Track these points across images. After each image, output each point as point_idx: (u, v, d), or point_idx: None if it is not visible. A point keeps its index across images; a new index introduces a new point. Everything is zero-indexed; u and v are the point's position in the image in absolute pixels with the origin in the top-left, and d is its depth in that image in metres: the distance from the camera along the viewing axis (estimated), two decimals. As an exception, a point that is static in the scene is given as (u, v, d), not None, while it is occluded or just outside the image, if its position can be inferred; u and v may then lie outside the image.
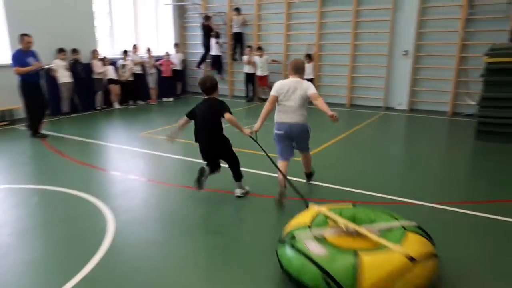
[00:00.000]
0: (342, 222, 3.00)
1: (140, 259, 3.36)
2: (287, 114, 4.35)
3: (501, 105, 6.82)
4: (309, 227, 2.99)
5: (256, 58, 11.20)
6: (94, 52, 9.97)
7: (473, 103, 9.02)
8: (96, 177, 5.43)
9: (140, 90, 11.20)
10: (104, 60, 10.20)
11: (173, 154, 6.41)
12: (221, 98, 4.49)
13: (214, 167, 4.63)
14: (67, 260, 3.31)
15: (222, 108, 4.32)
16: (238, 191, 4.61)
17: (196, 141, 4.50)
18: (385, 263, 2.56)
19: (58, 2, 9.43)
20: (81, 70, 9.62)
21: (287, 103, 4.32)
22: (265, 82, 11.34)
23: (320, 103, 4.24)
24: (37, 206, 4.48)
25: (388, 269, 2.52)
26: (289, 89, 4.31)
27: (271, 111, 4.45)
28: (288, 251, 2.81)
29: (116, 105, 10.67)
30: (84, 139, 7.32)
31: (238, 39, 11.84)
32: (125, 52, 10.62)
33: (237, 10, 11.51)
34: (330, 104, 10.31)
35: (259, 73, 11.29)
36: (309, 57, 10.63)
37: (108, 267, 3.21)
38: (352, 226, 2.96)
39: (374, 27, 10.03)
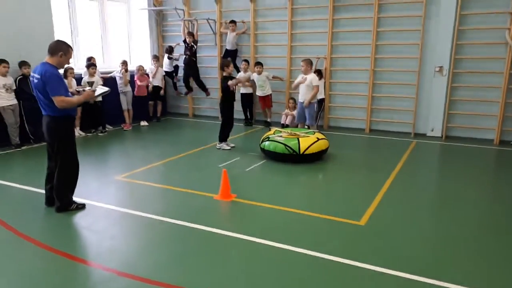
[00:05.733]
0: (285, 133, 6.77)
1: None
2: None
3: None
4: (273, 134, 6.69)
5: (254, 75, 9.30)
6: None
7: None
8: (69, 277, 3.28)
9: (110, 112, 9.02)
10: (67, 73, 7.95)
11: (168, 217, 4.32)
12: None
13: None
14: None
15: None
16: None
17: None
18: (308, 139, 6.38)
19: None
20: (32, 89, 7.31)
21: None
22: (269, 103, 9.43)
23: None
24: None
25: (310, 141, 6.34)
26: None
27: None
28: (267, 143, 6.48)
29: (79, 133, 8.42)
30: (37, 190, 5.10)
31: (232, 58, 9.89)
32: (92, 64, 8.41)
33: (233, 23, 9.60)
34: (345, 129, 8.68)
35: (259, 93, 9.38)
36: (319, 73, 8.82)
37: None
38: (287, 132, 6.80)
39: (401, 38, 8.35)
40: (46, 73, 4.07)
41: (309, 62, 7.47)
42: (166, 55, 10.19)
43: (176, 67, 10.43)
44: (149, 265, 3.42)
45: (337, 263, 3.39)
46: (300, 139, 6.38)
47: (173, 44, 10.39)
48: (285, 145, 6.28)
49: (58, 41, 4.30)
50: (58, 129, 4.30)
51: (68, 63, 4.45)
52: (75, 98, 4.32)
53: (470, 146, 7.67)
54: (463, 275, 3.23)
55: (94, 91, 4.58)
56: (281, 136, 6.55)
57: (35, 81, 4.16)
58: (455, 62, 7.96)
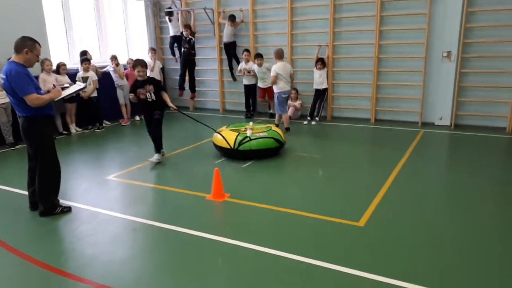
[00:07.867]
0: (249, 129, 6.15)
1: None
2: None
3: None
4: (245, 133, 6.04)
5: (255, 67, 8.96)
6: (44, 63, 7.46)
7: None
8: None
9: (108, 107, 8.81)
10: (60, 69, 7.76)
11: (156, 221, 4.07)
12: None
13: None
14: None
15: None
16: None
17: None
18: (275, 128, 6.36)
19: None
20: None
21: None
22: (271, 95, 9.10)
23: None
24: None
25: (277, 129, 6.33)
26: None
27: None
28: (251, 142, 5.86)
29: (75, 129, 8.26)
30: (24, 192, 4.89)
31: (230, 50, 9.60)
32: (85, 59, 8.16)
33: (233, 18, 9.28)
34: (349, 120, 8.44)
35: (260, 84, 9.06)
36: (321, 62, 8.49)
37: None
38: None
39: (406, 23, 7.93)
40: (11, 73, 3.83)
41: (274, 52, 7.59)
42: (167, 18, 9.92)
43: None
44: (131, 277, 3.18)
45: (337, 272, 3.11)
46: (273, 128, 6.43)
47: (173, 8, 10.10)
48: (273, 138, 6.11)
49: (23, 37, 4.02)
50: (32, 131, 4.07)
51: (37, 60, 4.15)
52: (47, 96, 4.07)
53: (481, 135, 7.29)
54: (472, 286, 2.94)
55: (63, 89, 4.34)
56: (262, 131, 6.19)
57: (2, 81, 3.92)
58: (464, 47, 7.53)
